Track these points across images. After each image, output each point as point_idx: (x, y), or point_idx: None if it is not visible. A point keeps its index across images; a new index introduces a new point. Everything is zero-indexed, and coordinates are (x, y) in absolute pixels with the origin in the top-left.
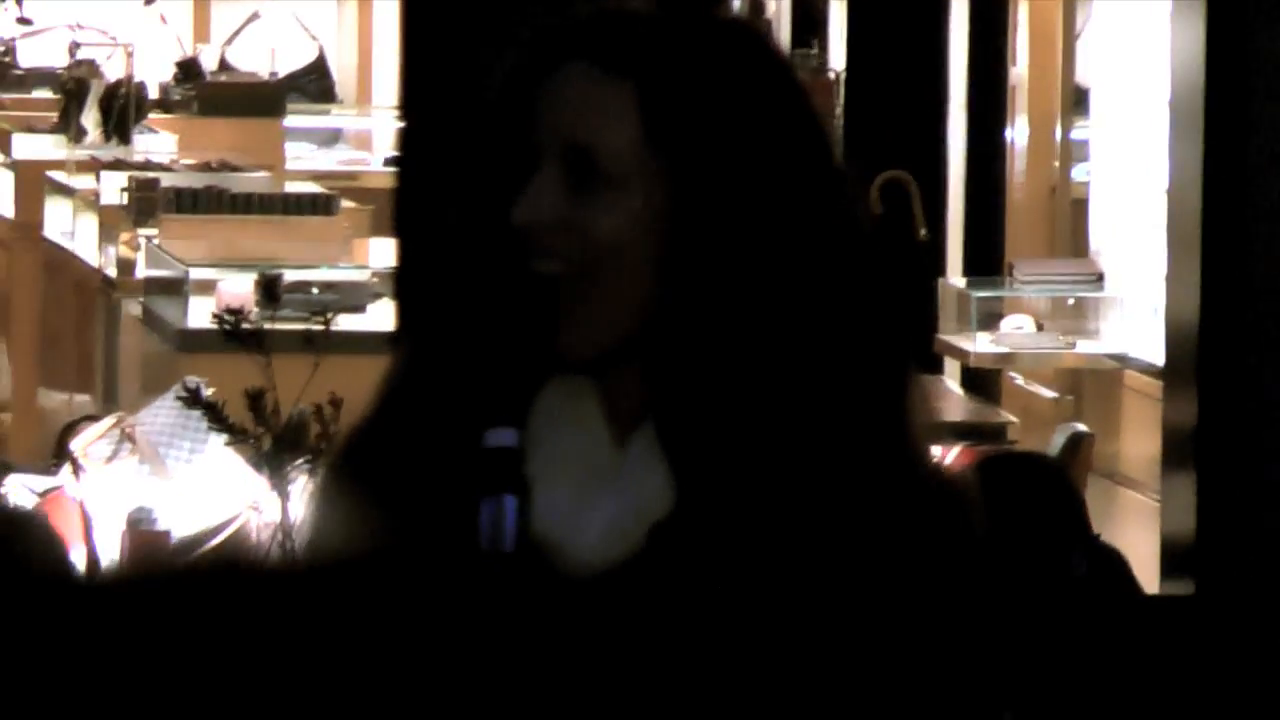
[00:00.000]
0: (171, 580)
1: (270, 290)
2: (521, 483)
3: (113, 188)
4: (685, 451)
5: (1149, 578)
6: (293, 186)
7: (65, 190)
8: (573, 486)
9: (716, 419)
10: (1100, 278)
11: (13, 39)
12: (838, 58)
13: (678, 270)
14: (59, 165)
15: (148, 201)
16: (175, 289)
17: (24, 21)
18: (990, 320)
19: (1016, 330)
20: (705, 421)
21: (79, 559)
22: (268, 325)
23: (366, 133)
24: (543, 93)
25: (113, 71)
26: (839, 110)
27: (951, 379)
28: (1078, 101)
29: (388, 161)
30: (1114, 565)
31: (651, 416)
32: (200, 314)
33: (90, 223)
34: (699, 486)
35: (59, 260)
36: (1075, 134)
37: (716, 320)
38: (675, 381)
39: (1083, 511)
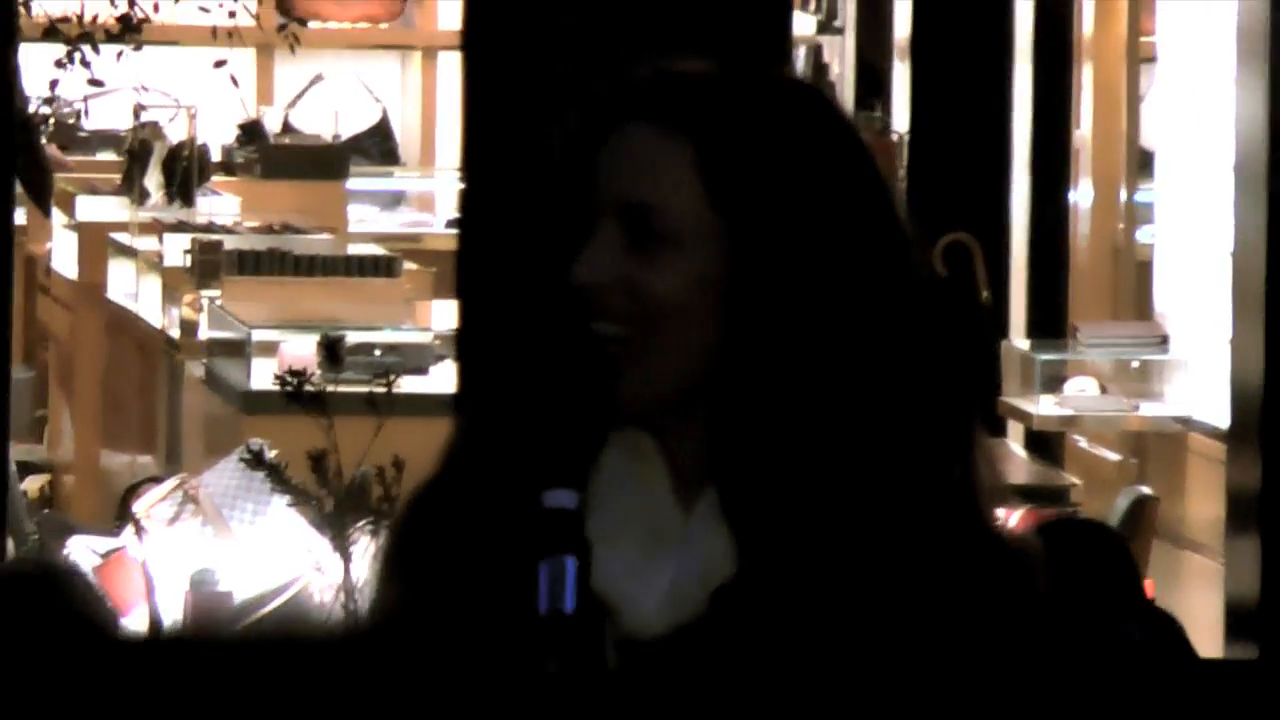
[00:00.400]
0: (227, 644)
1: (333, 352)
2: (582, 543)
3: (176, 249)
4: (748, 514)
5: (1213, 641)
6: (355, 248)
7: (128, 252)
8: (635, 547)
9: (779, 481)
10: (1165, 340)
11: (84, 99)
12: (901, 119)
13: (737, 329)
14: (122, 227)
15: (211, 263)
16: (238, 350)
17: (95, 83)
18: (1054, 383)
19: (1080, 393)
20: (768, 484)
21: (140, 619)
22: (330, 387)
23: (429, 194)
24: (603, 153)
25: (176, 133)
26: (902, 172)
27: (1015, 441)
28: (1142, 164)
29: (450, 223)
30: (1170, 631)
31: (714, 477)
32: (263, 375)
33: (153, 284)
34: (762, 550)
35: (122, 321)
36: (1140, 196)
37: (777, 381)
38: (737, 442)
39: (1139, 581)
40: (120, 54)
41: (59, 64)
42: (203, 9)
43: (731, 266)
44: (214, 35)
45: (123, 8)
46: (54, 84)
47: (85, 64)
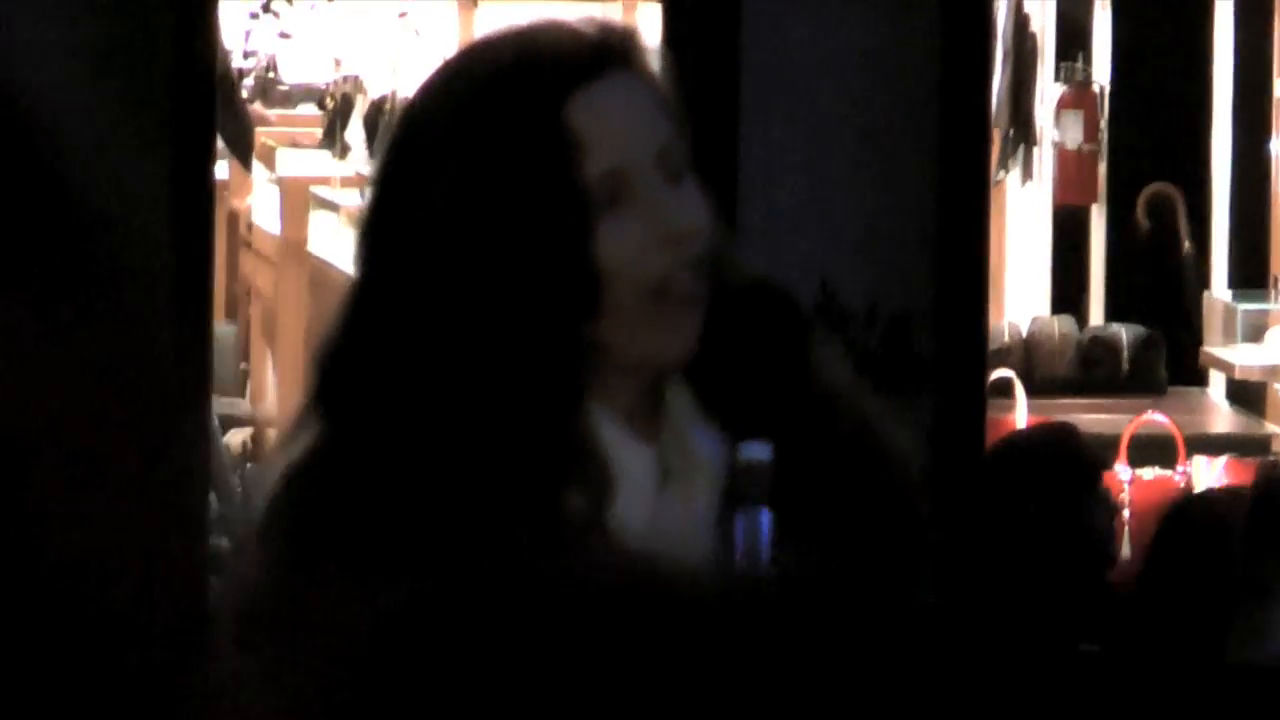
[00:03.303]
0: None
1: None
2: (776, 496)
3: None
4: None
5: None
6: None
7: (331, 206)
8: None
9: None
10: None
11: (274, 54)
12: (1103, 71)
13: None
14: (324, 181)
15: None
16: None
17: (284, 36)
18: (1256, 332)
19: None
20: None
21: None
22: None
23: None
24: (589, 107)
25: (377, 87)
26: (1103, 123)
27: (1217, 392)
28: None
29: None
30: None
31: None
32: None
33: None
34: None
35: (325, 276)
36: None
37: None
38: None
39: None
40: (313, 5)
41: (253, 16)
42: None
43: None
44: None
45: None
46: (248, 35)
47: (275, 14)
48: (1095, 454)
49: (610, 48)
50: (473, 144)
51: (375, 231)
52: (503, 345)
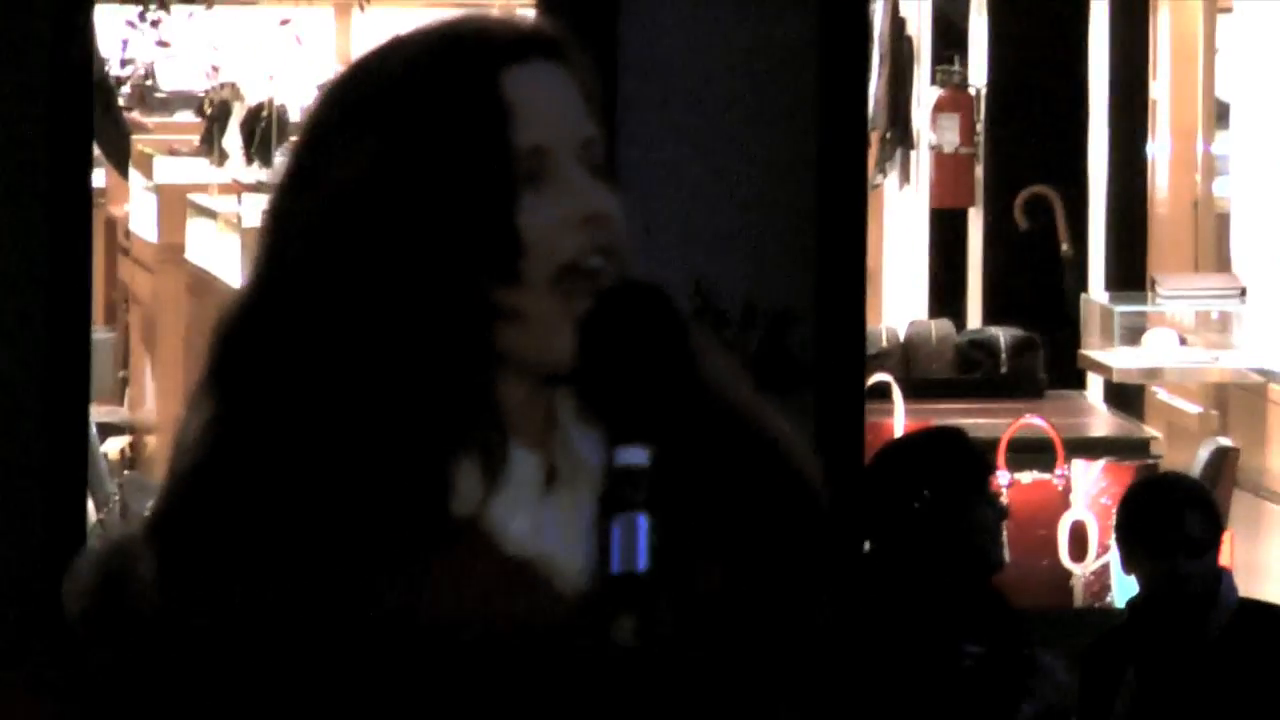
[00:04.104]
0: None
1: None
2: (653, 501)
3: (255, 210)
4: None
5: None
6: None
7: (208, 213)
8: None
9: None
10: (1243, 291)
11: (152, 62)
12: (979, 73)
13: None
14: (202, 188)
15: None
16: None
17: (163, 44)
18: (1133, 335)
19: (1160, 345)
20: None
21: None
22: None
23: None
24: (513, 94)
25: (255, 94)
26: (980, 126)
27: (1095, 394)
28: (1219, 115)
29: None
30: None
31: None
32: None
33: (233, 244)
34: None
35: (203, 282)
36: (1216, 148)
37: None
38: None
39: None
40: (191, 14)
41: (130, 24)
42: None
43: None
44: None
45: None
46: (125, 44)
47: (154, 23)
48: (984, 456)
49: (540, 38)
50: (405, 107)
51: (291, 201)
52: (419, 306)
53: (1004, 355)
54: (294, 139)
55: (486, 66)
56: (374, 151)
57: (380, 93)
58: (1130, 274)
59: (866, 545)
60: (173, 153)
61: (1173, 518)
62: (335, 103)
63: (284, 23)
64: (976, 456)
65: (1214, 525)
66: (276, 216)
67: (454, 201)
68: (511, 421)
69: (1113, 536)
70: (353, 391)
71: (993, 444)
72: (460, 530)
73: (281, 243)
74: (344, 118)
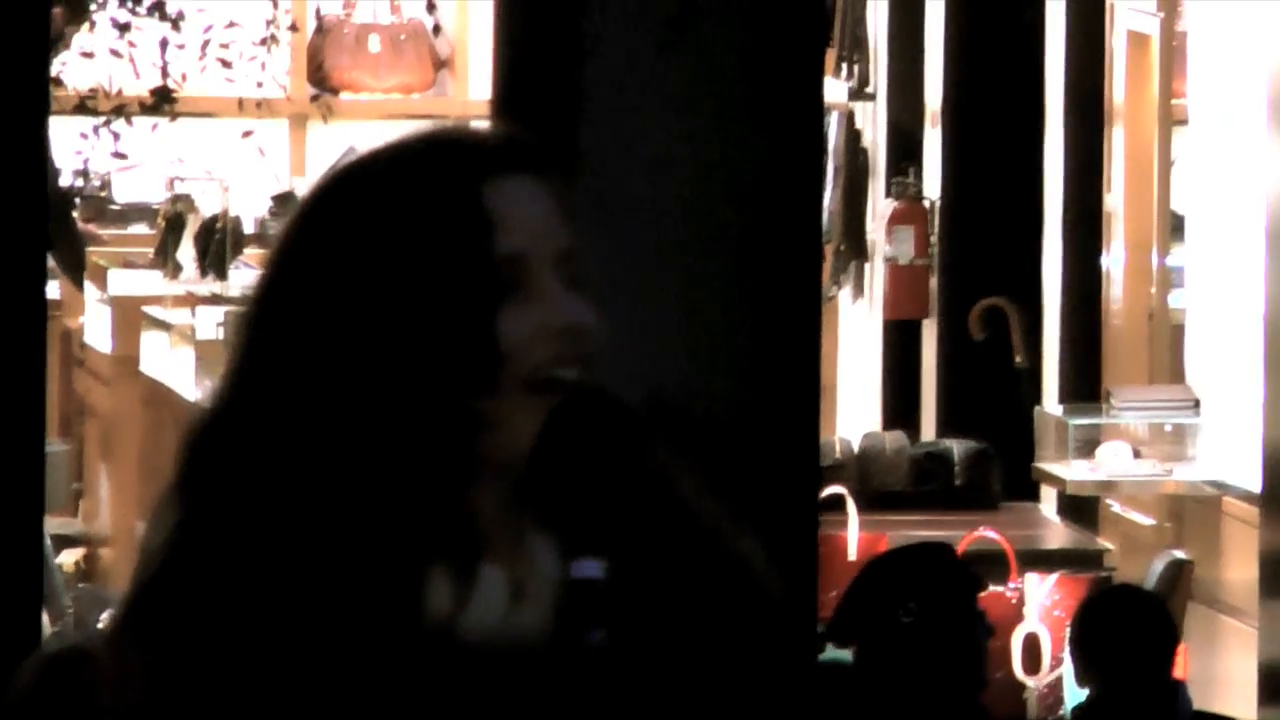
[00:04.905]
0: None
1: None
2: (610, 616)
3: (209, 322)
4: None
5: (1247, 704)
6: None
7: (162, 325)
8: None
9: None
10: (1197, 404)
11: (108, 173)
12: (934, 185)
13: None
14: (156, 300)
15: None
16: None
17: (120, 156)
18: (1088, 447)
19: (1114, 457)
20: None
21: None
22: None
23: None
24: (496, 207)
25: (209, 206)
26: (934, 238)
27: (1049, 506)
28: (1174, 228)
29: None
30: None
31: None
32: None
33: (188, 357)
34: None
35: (158, 394)
36: (1172, 260)
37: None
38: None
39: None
40: (155, 126)
41: (84, 136)
42: (228, 80)
43: None
44: (240, 107)
45: (150, 80)
46: (86, 161)
47: (115, 135)
48: (973, 572)
49: (522, 150)
50: (389, 213)
51: (267, 307)
52: (394, 414)
53: (958, 467)
54: (255, 249)
55: (470, 177)
56: (354, 258)
57: (363, 200)
58: (1085, 386)
59: (852, 655)
60: (128, 265)
61: (1127, 631)
62: (316, 209)
63: (246, 134)
64: (965, 571)
65: (1169, 638)
66: (251, 323)
67: (435, 310)
68: (482, 533)
69: (1066, 649)
70: (325, 501)
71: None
72: (428, 644)
73: (256, 349)
74: (325, 224)
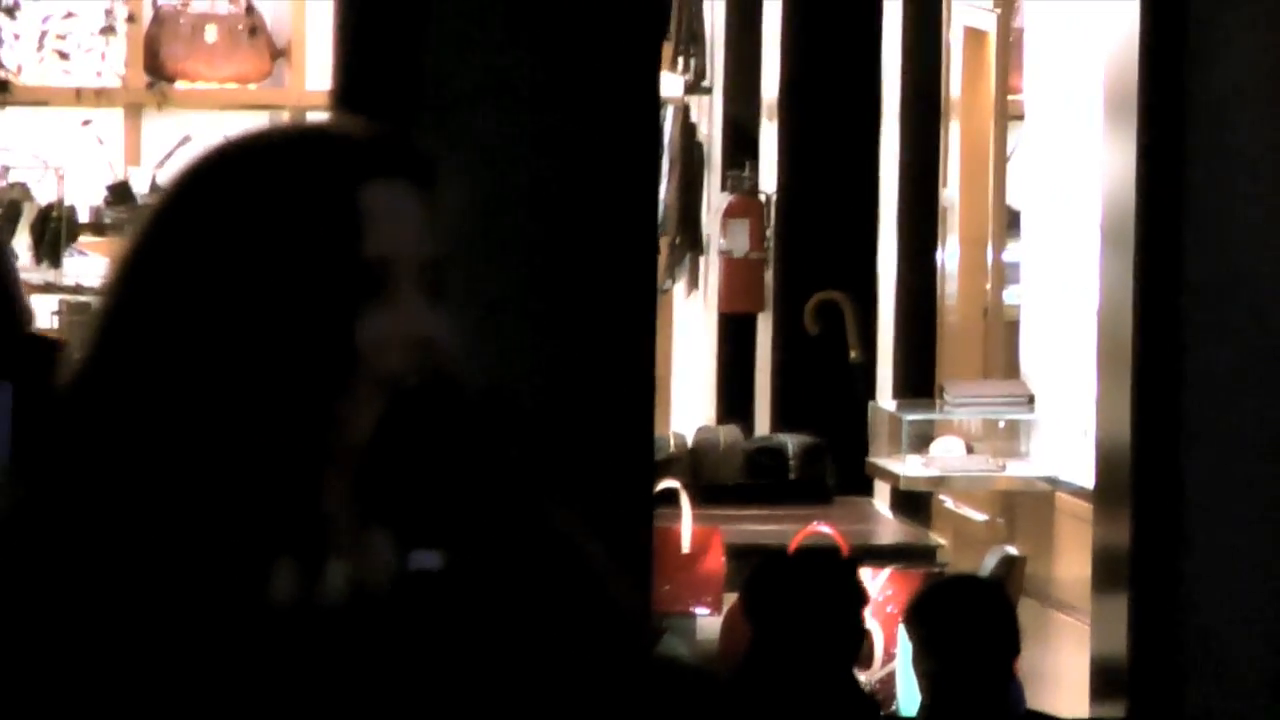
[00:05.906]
0: None
1: None
2: (448, 607)
3: (44, 311)
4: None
5: (1079, 701)
6: None
7: None
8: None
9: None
10: (1031, 400)
11: None
12: (770, 179)
13: None
14: None
15: (79, 325)
16: None
17: None
18: (921, 442)
19: (947, 453)
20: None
21: None
22: None
23: None
24: (363, 211)
25: (44, 195)
26: (769, 232)
27: (882, 501)
28: (1010, 223)
29: None
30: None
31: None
32: None
33: None
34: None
35: None
36: (1007, 256)
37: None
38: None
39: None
40: None
41: None
42: (65, 71)
43: None
44: (78, 96)
45: None
46: None
47: None
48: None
49: (401, 154)
50: (260, 202)
51: (127, 287)
52: (249, 408)
53: (792, 461)
54: (90, 237)
55: (348, 176)
56: (220, 246)
57: (234, 187)
58: (920, 381)
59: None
60: None
61: (966, 617)
62: (186, 191)
63: (86, 123)
64: (839, 552)
65: (1009, 625)
66: (109, 304)
67: (296, 305)
68: (323, 525)
69: (898, 644)
70: (170, 489)
71: (781, 550)
72: (268, 632)
73: (110, 331)
74: (193, 207)
